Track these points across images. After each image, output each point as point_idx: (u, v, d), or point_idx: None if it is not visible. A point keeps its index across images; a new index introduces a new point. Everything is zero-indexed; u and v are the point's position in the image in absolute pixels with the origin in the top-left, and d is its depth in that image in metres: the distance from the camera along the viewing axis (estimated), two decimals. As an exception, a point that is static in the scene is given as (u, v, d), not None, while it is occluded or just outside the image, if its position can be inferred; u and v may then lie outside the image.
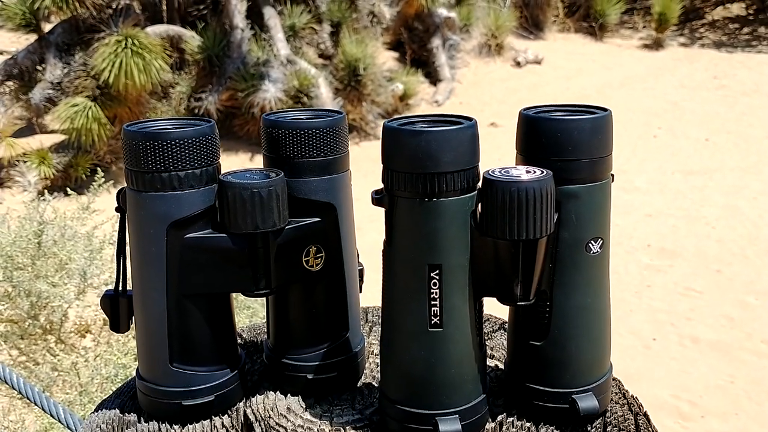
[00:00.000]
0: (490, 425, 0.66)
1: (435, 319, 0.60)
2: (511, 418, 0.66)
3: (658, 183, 5.00)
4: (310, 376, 0.70)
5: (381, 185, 0.62)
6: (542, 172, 0.59)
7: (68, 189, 3.41)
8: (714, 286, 3.78)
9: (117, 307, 0.70)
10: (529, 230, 0.58)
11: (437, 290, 0.60)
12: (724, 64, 7.14)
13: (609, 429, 0.66)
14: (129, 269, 0.69)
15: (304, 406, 0.69)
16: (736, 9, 8.68)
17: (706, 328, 3.48)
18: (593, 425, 0.66)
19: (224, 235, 0.64)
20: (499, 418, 0.66)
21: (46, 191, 3.43)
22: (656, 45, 7.56)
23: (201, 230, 0.65)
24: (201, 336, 0.67)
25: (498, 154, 5.41)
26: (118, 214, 0.67)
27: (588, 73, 6.93)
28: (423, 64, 6.95)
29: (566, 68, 7.03)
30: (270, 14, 6.58)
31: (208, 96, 6.35)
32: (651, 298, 3.71)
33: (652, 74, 6.89)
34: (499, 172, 0.59)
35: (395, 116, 0.65)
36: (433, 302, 0.60)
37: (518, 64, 6.98)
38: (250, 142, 6.24)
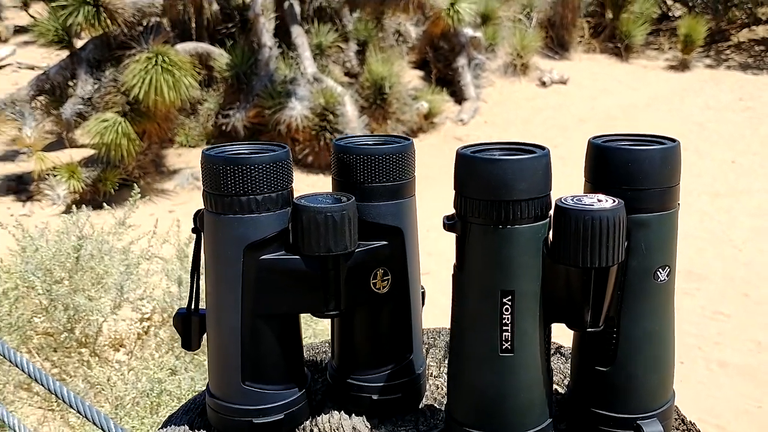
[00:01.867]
0: (554, 449, 0.67)
1: (506, 344, 0.62)
2: (576, 443, 0.67)
3: (685, 205, 4.95)
4: (374, 397, 0.71)
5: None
6: (614, 201, 0.60)
7: (104, 203, 3.46)
8: (742, 309, 3.75)
9: (189, 326, 0.72)
10: (601, 258, 0.59)
11: (509, 316, 0.61)
12: (749, 85, 7.11)
13: (672, 455, 0.67)
14: (203, 289, 0.71)
15: (369, 426, 0.71)
16: (762, 31, 8.65)
17: (734, 352, 3.46)
18: (657, 451, 0.66)
19: (297, 257, 0.66)
20: (564, 441, 0.67)
21: (74, 206, 3.48)
22: (682, 66, 7.55)
23: (275, 252, 0.66)
24: (272, 355, 0.68)
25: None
26: (194, 234, 0.69)
27: (613, 94, 6.93)
28: (448, 83, 6.98)
29: (591, 88, 7.03)
30: (297, 33, 6.66)
31: (235, 113, 6.42)
32: (678, 322, 3.66)
33: (677, 95, 6.88)
34: (572, 200, 0.61)
35: (467, 143, 0.66)
36: (504, 327, 0.61)
37: (543, 83, 6.99)
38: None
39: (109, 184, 5.81)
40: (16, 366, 1.33)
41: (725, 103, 6.74)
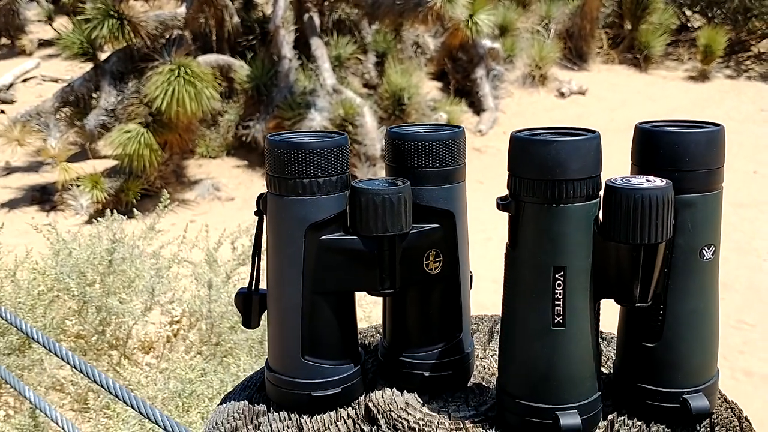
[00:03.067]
0: (602, 423, 0.69)
1: (558, 319, 0.64)
2: (623, 417, 0.70)
3: (707, 214, 4.96)
4: (426, 374, 0.74)
5: None
6: (663, 181, 0.63)
7: (134, 210, 3.51)
8: (766, 318, 3.74)
9: (249, 304, 0.75)
10: (651, 235, 0.62)
11: (561, 291, 0.64)
12: (770, 96, 7.11)
13: (717, 429, 0.69)
14: (264, 269, 0.74)
15: (422, 402, 0.73)
16: (782, 42, 8.65)
17: (759, 361, 3.45)
18: (702, 425, 0.69)
19: (356, 237, 0.69)
20: (610, 416, 0.70)
21: (97, 216, 3.53)
22: (702, 77, 7.56)
23: (334, 233, 0.70)
24: (330, 331, 0.72)
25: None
26: (256, 217, 0.73)
27: (632, 105, 6.95)
28: (466, 94, 7.03)
29: (610, 99, 7.05)
30: (317, 45, 6.73)
31: (255, 124, 6.49)
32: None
33: (698, 106, 6.89)
34: (622, 180, 0.64)
35: (519, 128, 0.70)
36: (557, 302, 0.64)
37: (562, 94, 7.02)
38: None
39: (131, 194, 5.88)
40: (63, 359, 1.37)
41: (746, 113, 6.74)
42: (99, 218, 2.64)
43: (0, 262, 2.35)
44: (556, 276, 0.64)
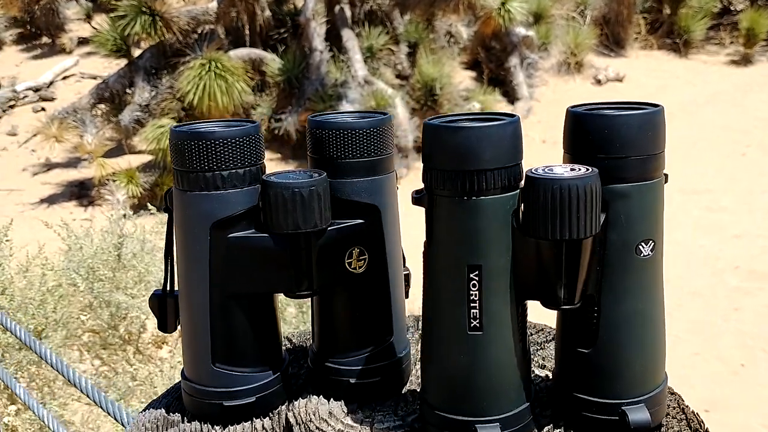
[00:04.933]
0: (535, 435, 0.63)
1: (474, 322, 0.59)
2: (558, 430, 0.64)
3: (747, 203, 4.80)
4: (352, 381, 0.69)
5: None
6: (587, 169, 0.57)
7: (156, 207, 3.52)
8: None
9: (164, 307, 0.70)
10: (572, 230, 0.55)
11: (477, 292, 0.58)
12: (817, 79, 6.84)
13: (664, 444, 0.63)
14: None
15: (346, 411, 0.68)
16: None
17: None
18: (645, 439, 0.62)
19: (266, 235, 0.64)
20: (546, 429, 0.64)
21: (131, 210, 3.55)
22: (744, 61, 7.31)
23: (244, 230, 0.65)
24: (244, 337, 0.67)
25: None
26: (167, 214, 0.68)
27: (672, 91, 6.75)
28: (500, 83, 6.91)
29: (648, 85, 6.86)
30: (348, 36, 6.68)
31: (287, 117, 6.48)
32: (739, 322, 3.56)
33: (740, 90, 6.66)
34: (542, 170, 0.58)
35: (437, 115, 0.64)
36: (472, 304, 0.58)
37: (598, 82, 6.86)
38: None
39: (165, 188, 5.92)
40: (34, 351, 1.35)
41: (791, 97, 6.50)
42: (135, 213, 2.63)
43: (12, 258, 2.37)
44: (471, 275, 0.58)
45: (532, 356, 0.77)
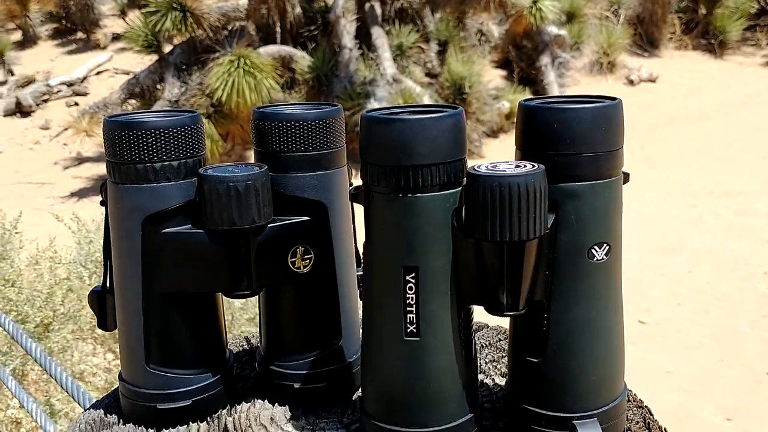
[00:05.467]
0: (482, 450, 0.59)
1: (411, 327, 0.55)
2: (508, 444, 0.59)
3: (780, 206, 4.67)
4: (297, 385, 0.65)
5: None
6: (533, 166, 0.53)
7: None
8: None
9: (104, 305, 0.68)
10: (513, 231, 0.51)
11: (413, 295, 0.54)
12: None
13: (620, 463, 0.58)
14: (114, 265, 0.67)
15: (288, 417, 0.65)
16: None
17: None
18: (600, 457, 0.58)
19: (201, 231, 0.61)
20: (495, 442, 0.60)
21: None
22: (782, 62, 7.13)
23: (180, 226, 0.62)
24: (180, 337, 0.64)
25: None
26: (103, 207, 0.65)
27: (706, 91, 6.61)
28: (531, 82, 6.83)
29: (682, 86, 6.72)
30: (378, 34, 6.65)
31: (316, 114, 6.46)
32: (766, 329, 3.45)
33: (777, 92, 6.49)
34: (486, 166, 0.53)
35: (380, 107, 0.60)
36: (409, 308, 0.54)
37: (631, 82, 6.73)
38: (355, 160, 6.31)
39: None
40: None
41: (831, 100, 6.31)
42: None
43: (22, 251, 2.38)
44: (407, 278, 0.54)
45: (496, 364, 0.73)
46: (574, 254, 0.55)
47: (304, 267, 0.64)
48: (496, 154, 5.69)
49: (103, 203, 0.65)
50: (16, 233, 2.29)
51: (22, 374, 2.18)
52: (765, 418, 2.86)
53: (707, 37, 7.38)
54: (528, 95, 6.68)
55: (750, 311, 3.62)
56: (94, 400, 1.20)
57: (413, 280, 0.54)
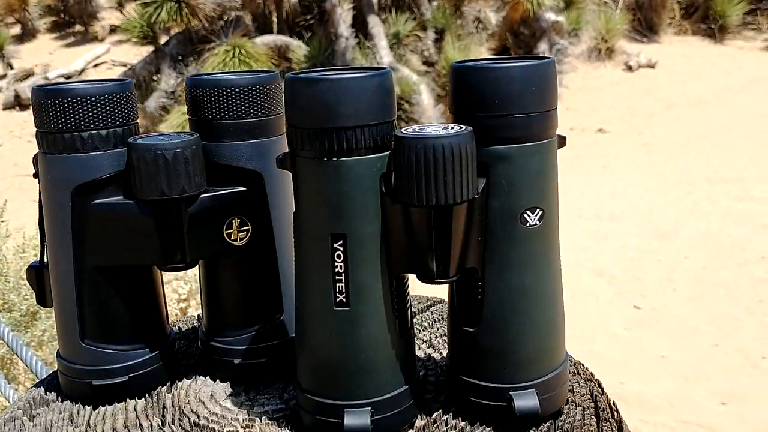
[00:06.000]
0: (420, 422, 0.58)
1: (341, 297, 0.53)
2: (447, 416, 0.58)
3: (779, 190, 4.63)
4: (237, 361, 0.64)
5: None
6: (461, 128, 0.51)
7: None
8: None
9: (42, 280, 0.66)
10: (439, 195, 0.50)
11: (342, 264, 0.53)
12: None
13: (561, 435, 0.56)
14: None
15: (228, 393, 0.63)
16: None
17: None
18: (538, 429, 0.56)
19: (131, 201, 0.59)
20: (434, 415, 0.58)
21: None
22: (782, 47, 7.07)
23: (110, 197, 0.60)
24: (115, 312, 0.62)
25: (604, 160, 5.18)
26: (36, 179, 0.64)
27: (706, 77, 6.56)
28: (529, 69, 6.78)
29: (682, 72, 6.67)
30: (374, 22, 6.62)
31: (313, 104, 6.44)
32: (763, 314, 3.43)
33: (777, 77, 6.44)
34: (412, 129, 0.52)
35: (307, 69, 0.58)
36: (338, 277, 0.53)
37: (630, 68, 6.68)
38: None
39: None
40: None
41: (831, 84, 6.26)
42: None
43: (9, 239, 2.36)
44: (335, 245, 0.52)
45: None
46: (506, 219, 0.53)
47: (241, 239, 0.63)
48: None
49: (35, 176, 0.63)
50: (2, 221, 2.28)
51: None
52: (760, 403, 2.84)
53: (707, 22, 7.32)
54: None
55: (746, 297, 3.60)
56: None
57: (341, 248, 0.52)
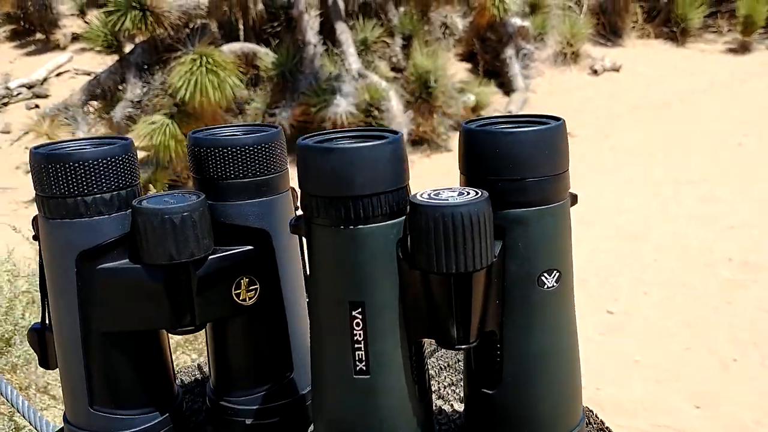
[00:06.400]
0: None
1: (360, 365, 0.53)
2: (465, 477, 0.58)
3: (742, 193, 4.72)
4: (248, 421, 0.63)
5: None
6: (477, 193, 0.51)
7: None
8: None
9: (45, 342, 0.65)
10: (459, 262, 0.49)
11: (361, 331, 0.52)
12: (818, 67, 6.73)
13: (578, 492, 0.57)
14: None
15: (239, 455, 0.63)
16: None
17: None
18: (557, 488, 0.56)
19: (139, 266, 0.58)
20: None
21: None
22: (742, 49, 7.19)
23: (116, 260, 0.59)
24: (124, 377, 0.61)
25: (572, 164, 5.24)
26: (36, 242, 0.62)
27: (669, 80, 6.66)
28: (496, 74, 6.83)
29: (646, 75, 6.77)
30: (342, 29, 6.61)
31: (281, 112, 6.41)
32: (731, 315, 3.49)
33: (738, 79, 6.56)
34: (428, 195, 0.51)
35: (313, 132, 0.57)
36: (357, 345, 0.52)
37: (595, 72, 6.77)
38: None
39: (159, 185, 5.87)
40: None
41: (791, 85, 6.40)
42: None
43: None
44: (354, 313, 0.52)
45: (455, 387, 0.71)
46: (524, 283, 0.53)
47: (250, 299, 0.62)
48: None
49: (35, 238, 0.62)
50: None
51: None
52: (733, 404, 2.89)
53: (669, 25, 7.43)
54: (493, 88, 6.68)
55: (715, 298, 3.66)
56: (52, 425, 1.17)
57: (360, 316, 0.52)
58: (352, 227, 0.51)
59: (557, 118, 0.54)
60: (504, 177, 0.52)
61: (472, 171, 0.54)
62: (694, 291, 3.75)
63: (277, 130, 0.63)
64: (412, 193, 0.53)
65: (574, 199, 0.55)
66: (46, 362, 0.65)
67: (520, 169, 0.51)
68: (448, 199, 0.50)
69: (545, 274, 0.53)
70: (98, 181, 0.57)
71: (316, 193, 0.51)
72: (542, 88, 6.73)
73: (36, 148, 0.59)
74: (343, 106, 6.10)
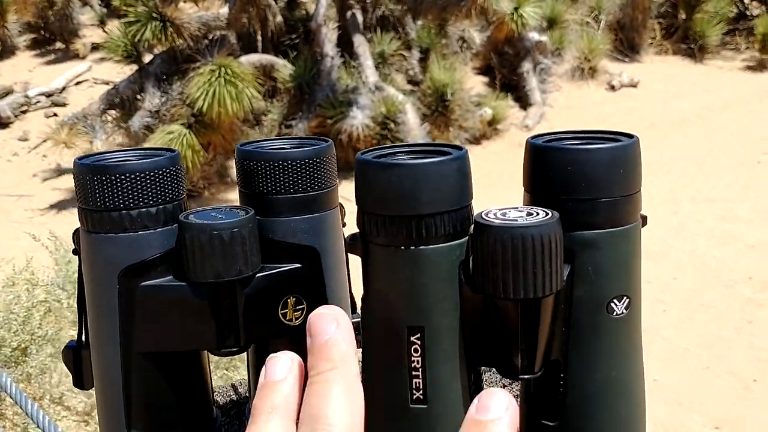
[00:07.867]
0: None
1: (417, 394, 0.50)
2: None
3: (763, 212, 4.67)
4: (291, 445, 0.60)
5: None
6: (547, 214, 0.48)
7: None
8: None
9: (80, 361, 0.62)
10: (528, 287, 0.46)
11: (419, 358, 0.49)
12: (836, 85, 6.68)
13: None
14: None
15: (281, 482, 0.60)
16: None
17: None
18: None
19: (184, 283, 0.56)
20: None
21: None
22: (760, 66, 7.16)
23: (160, 278, 0.56)
24: (165, 399, 0.58)
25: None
26: (76, 257, 0.60)
27: (687, 96, 6.62)
28: (513, 88, 6.82)
29: (663, 91, 6.74)
30: (359, 42, 6.62)
31: (298, 123, 6.42)
32: (752, 335, 3.44)
33: (756, 96, 6.51)
34: (494, 214, 0.49)
35: (376, 146, 0.55)
36: (414, 372, 0.49)
37: (612, 87, 6.74)
38: (338, 169, 6.28)
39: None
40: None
41: (810, 104, 6.35)
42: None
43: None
44: (412, 339, 0.49)
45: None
46: (593, 309, 0.50)
47: (297, 318, 0.59)
48: (479, 161, 5.65)
49: (75, 252, 0.60)
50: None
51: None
52: (753, 427, 2.84)
53: (687, 42, 7.40)
54: (510, 102, 6.66)
55: (735, 317, 3.61)
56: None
57: (419, 341, 0.49)
58: (413, 248, 0.48)
59: (630, 135, 0.51)
60: (575, 197, 0.49)
61: (538, 189, 0.51)
62: (713, 310, 3.70)
63: (328, 144, 0.60)
64: (477, 212, 0.50)
65: (644, 220, 0.53)
66: (80, 382, 0.63)
67: (593, 188, 0.49)
68: (517, 220, 0.47)
69: (615, 301, 0.50)
70: (144, 195, 0.55)
71: (375, 211, 0.49)
72: (559, 103, 6.71)
73: (80, 158, 0.56)
74: (359, 119, 6.09)
